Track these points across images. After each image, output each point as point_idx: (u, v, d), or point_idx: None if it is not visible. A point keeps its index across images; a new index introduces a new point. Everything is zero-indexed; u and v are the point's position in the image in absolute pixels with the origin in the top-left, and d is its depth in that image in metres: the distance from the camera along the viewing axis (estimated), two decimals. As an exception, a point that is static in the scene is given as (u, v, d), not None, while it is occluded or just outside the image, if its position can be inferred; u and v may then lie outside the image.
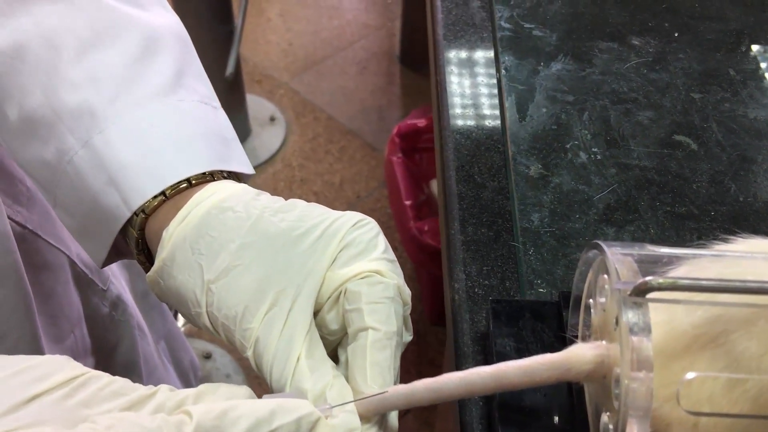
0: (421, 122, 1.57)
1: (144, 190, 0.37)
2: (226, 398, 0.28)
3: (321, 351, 0.34)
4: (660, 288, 0.30)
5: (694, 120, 0.55)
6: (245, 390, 0.30)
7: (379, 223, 0.36)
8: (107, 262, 0.41)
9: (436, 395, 0.31)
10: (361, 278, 0.34)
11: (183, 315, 0.37)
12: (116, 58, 0.39)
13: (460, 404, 0.41)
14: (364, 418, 0.31)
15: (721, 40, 0.62)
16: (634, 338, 0.30)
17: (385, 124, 1.86)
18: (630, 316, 0.30)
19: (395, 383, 0.32)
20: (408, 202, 1.47)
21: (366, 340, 0.32)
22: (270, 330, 0.33)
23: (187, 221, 0.36)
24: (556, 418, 0.38)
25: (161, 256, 0.36)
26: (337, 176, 1.75)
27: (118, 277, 0.60)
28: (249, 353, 0.33)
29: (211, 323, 0.34)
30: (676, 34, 0.62)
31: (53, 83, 0.38)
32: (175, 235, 0.36)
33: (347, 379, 0.33)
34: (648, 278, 0.30)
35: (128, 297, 0.61)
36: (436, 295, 1.39)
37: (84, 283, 0.55)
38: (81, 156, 0.38)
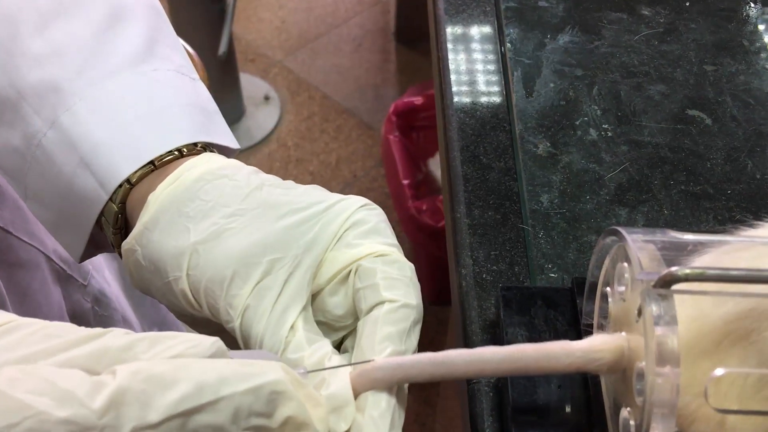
0: (418, 100, 1.54)
1: (120, 168, 0.34)
2: (186, 348, 0.24)
3: (318, 330, 0.31)
4: (687, 279, 0.28)
5: (707, 94, 0.53)
6: (212, 342, 0.25)
7: (376, 203, 0.34)
8: (86, 255, 0.38)
9: (443, 370, 0.28)
10: (375, 257, 0.31)
11: (153, 292, 0.33)
12: (81, 29, 0.36)
13: (470, 395, 0.39)
14: (356, 392, 0.28)
15: (734, 10, 0.60)
16: (660, 332, 0.28)
17: (380, 103, 1.83)
18: (655, 309, 0.28)
19: None
20: (406, 182, 1.45)
21: (380, 311, 0.29)
22: (262, 299, 0.29)
23: (177, 184, 0.33)
24: (572, 412, 0.36)
25: (143, 219, 0.33)
26: (333, 155, 1.73)
27: (100, 271, 0.58)
28: (236, 323, 0.29)
29: (191, 289, 0.31)
30: (687, 4, 0.59)
31: (14, 61, 0.35)
32: (162, 198, 0.33)
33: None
34: (674, 269, 0.28)
35: (112, 291, 0.58)
36: (435, 275, 1.38)
37: (63, 279, 0.52)
38: (49, 138, 0.35)
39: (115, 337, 0.24)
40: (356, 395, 0.28)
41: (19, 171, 0.37)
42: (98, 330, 0.24)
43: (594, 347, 0.31)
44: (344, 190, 1.71)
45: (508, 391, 0.36)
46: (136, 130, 0.35)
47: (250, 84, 1.80)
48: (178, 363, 0.23)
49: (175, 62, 0.38)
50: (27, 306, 0.49)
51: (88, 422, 0.21)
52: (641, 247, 0.31)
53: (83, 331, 0.24)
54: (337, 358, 0.29)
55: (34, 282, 0.50)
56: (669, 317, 0.28)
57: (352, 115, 1.80)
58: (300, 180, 1.84)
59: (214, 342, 0.25)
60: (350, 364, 0.29)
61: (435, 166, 1.56)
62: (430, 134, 1.57)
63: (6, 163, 0.37)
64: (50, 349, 0.23)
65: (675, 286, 0.28)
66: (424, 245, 1.39)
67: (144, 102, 0.35)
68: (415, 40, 1.91)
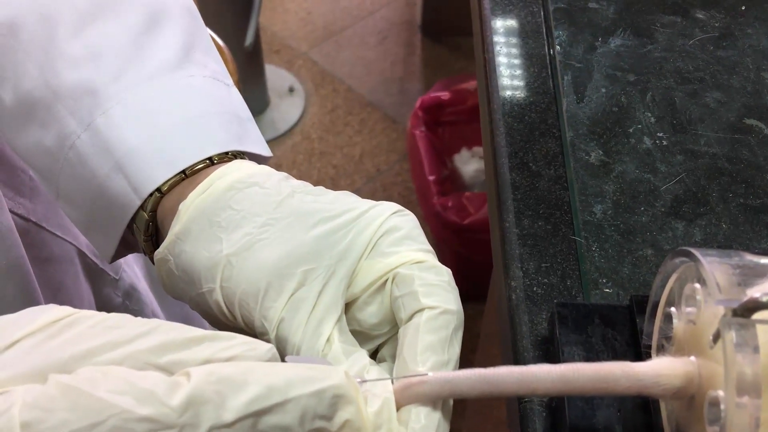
0: (445, 95, 1.52)
1: (154, 175, 0.34)
2: (244, 350, 0.25)
3: (354, 341, 0.30)
4: (773, 306, 0.27)
5: (766, 102, 0.51)
6: (268, 348, 0.26)
7: (400, 198, 0.33)
8: (117, 256, 0.38)
9: (493, 388, 0.27)
10: (412, 264, 0.30)
11: (187, 301, 0.33)
12: (118, 32, 0.36)
13: (521, 415, 0.38)
14: (400, 405, 0.27)
15: (791, 14, 0.57)
16: (742, 361, 0.27)
17: (405, 97, 1.82)
18: (736, 337, 0.27)
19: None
20: (431, 178, 1.44)
21: (420, 318, 0.29)
22: (297, 311, 0.29)
23: (208, 193, 0.33)
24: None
25: (174, 230, 0.33)
26: (356, 149, 1.71)
27: (131, 265, 0.58)
28: (271, 336, 0.29)
29: (225, 301, 0.31)
30: (743, 8, 0.57)
31: (50, 61, 0.35)
32: (192, 208, 0.32)
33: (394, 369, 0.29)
34: (757, 295, 0.27)
35: (142, 285, 0.58)
36: (460, 273, 1.36)
37: (95, 273, 0.52)
38: (83, 140, 0.35)
39: (173, 330, 0.24)
40: (399, 408, 0.28)
41: (50, 171, 0.36)
42: (155, 321, 0.24)
43: (660, 371, 0.30)
44: (368, 184, 1.70)
45: (565, 413, 0.35)
46: (170, 138, 0.35)
47: (275, 75, 1.79)
48: (245, 366, 0.24)
49: (211, 68, 0.38)
50: (60, 301, 0.48)
51: (169, 420, 0.22)
52: (716, 269, 0.30)
53: (140, 322, 0.24)
54: (375, 369, 0.29)
55: (67, 278, 0.49)
56: (751, 346, 0.27)
57: (376, 108, 1.79)
58: (323, 173, 1.83)
59: (269, 349, 0.26)
60: (394, 378, 0.28)
61: (460, 162, 1.55)
62: (456, 130, 1.55)
63: (38, 163, 0.37)
64: (112, 342, 0.23)
65: (757, 315, 0.27)
66: (449, 242, 1.38)
67: (179, 109, 0.35)
68: (441, 33, 1.89)
